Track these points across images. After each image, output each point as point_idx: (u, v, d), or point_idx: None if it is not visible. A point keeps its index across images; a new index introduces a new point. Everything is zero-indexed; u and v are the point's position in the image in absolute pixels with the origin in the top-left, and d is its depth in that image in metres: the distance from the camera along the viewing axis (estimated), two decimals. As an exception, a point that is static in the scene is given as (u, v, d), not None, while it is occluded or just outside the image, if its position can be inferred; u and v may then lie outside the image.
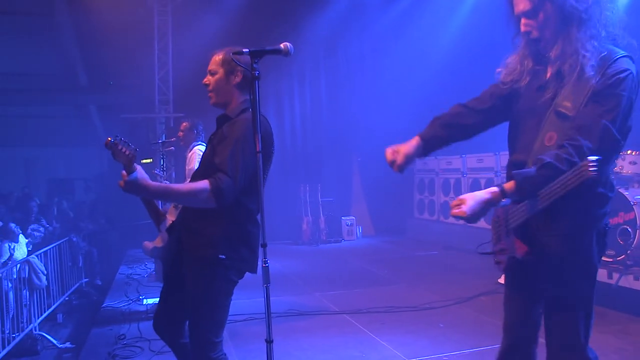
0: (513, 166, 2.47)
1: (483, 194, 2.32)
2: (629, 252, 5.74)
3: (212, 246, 2.73)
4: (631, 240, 5.73)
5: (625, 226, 5.84)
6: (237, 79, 2.90)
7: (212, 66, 2.91)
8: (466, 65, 10.10)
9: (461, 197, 2.36)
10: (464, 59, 10.17)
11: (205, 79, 2.93)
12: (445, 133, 2.69)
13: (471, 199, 2.31)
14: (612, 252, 5.92)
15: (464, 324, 5.41)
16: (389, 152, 2.68)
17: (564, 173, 2.12)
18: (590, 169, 1.93)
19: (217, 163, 2.69)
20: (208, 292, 2.76)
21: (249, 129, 2.63)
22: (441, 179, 11.02)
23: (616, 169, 6.43)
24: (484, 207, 2.32)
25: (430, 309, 6.01)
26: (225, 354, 2.85)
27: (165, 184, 5.67)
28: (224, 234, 2.75)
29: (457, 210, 2.34)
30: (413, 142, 2.67)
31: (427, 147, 2.68)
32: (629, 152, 6.35)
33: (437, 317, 5.71)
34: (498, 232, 2.63)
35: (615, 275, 5.70)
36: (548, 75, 2.37)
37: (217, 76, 2.89)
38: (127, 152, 2.50)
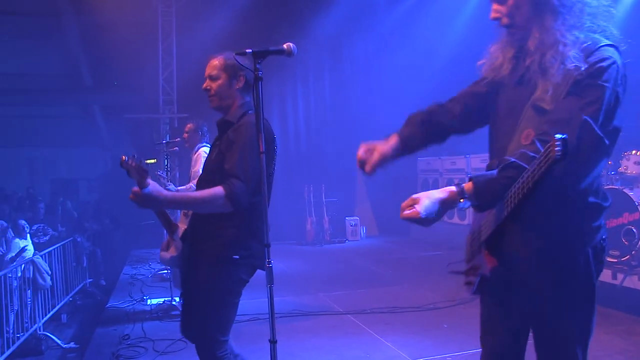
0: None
1: (438, 193, 2.07)
2: (633, 252, 5.72)
3: (226, 247, 2.80)
4: (636, 240, 5.71)
5: (630, 227, 5.82)
6: (240, 84, 2.94)
7: (212, 71, 2.93)
8: (472, 65, 10.09)
9: (414, 196, 2.12)
10: (469, 59, 10.14)
11: (206, 84, 2.95)
12: (424, 132, 2.48)
13: (426, 198, 2.06)
14: (616, 253, 5.90)
15: (468, 325, 5.38)
16: (361, 150, 2.47)
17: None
18: (556, 148, 1.56)
19: (227, 168, 2.74)
20: (219, 292, 2.81)
21: (254, 132, 2.64)
22: (445, 180, 11.00)
23: (621, 169, 6.41)
24: (440, 208, 2.05)
25: (435, 309, 6.00)
26: (229, 353, 2.88)
27: (172, 189, 5.70)
28: (236, 235, 2.80)
29: (408, 212, 2.10)
30: (391, 141, 2.46)
31: (405, 148, 2.49)
32: (633, 152, 6.33)
33: (441, 317, 5.70)
34: (472, 248, 2.37)
35: (620, 276, 5.69)
36: (527, 68, 2.11)
37: (219, 81, 2.92)
38: (140, 168, 2.55)
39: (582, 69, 1.90)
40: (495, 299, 2.26)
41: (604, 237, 2.05)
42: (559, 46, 1.97)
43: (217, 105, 2.98)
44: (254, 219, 2.82)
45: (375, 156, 2.43)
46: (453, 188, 2.03)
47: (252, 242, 2.82)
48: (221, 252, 2.80)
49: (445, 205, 2.04)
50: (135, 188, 2.55)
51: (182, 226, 3.07)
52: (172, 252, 3.03)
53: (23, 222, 7.39)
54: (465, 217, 10.18)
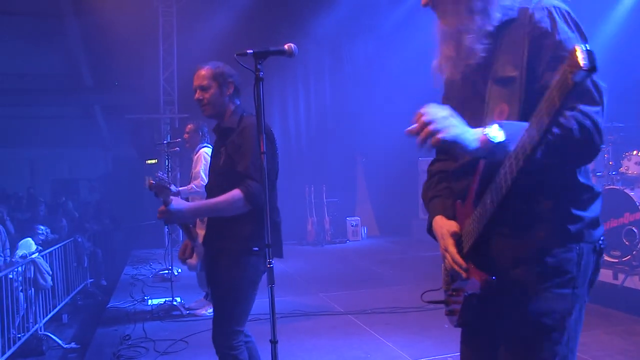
0: (451, 174, 1.94)
1: (474, 134, 1.57)
2: (634, 252, 5.72)
3: (245, 241, 2.94)
4: (637, 241, 5.71)
5: (630, 227, 5.81)
6: (230, 90, 3.09)
7: (202, 81, 3.04)
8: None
9: (431, 111, 1.63)
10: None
11: (198, 95, 3.06)
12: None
13: (456, 128, 1.57)
14: (617, 253, 5.90)
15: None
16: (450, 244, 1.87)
17: (578, 142, 1.49)
18: (581, 59, 1.14)
19: (241, 170, 2.89)
20: (238, 282, 2.96)
21: (254, 132, 2.85)
22: (446, 180, 10.96)
23: (622, 170, 6.41)
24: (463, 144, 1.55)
25: (435, 309, 5.97)
26: (243, 344, 3.03)
27: (173, 190, 5.70)
28: (253, 229, 2.92)
29: (437, 136, 1.55)
30: (450, 223, 1.91)
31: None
32: (634, 152, 6.32)
33: (441, 317, 5.63)
34: (452, 271, 1.90)
35: (621, 276, 5.68)
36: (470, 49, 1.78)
37: (211, 90, 3.04)
38: (166, 188, 2.77)
39: (535, 24, 1.64)
40: (482, 327, 1.86)
41: (601, 235, 1.72)
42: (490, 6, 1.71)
43: (211, 114, 3.11)
44: (270, 214, 2.91)
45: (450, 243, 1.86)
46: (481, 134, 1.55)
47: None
48: (241, 246, 2.95)
49: (477, 152, 1.56)
50: (162, 207, 2.78)
51: (201, 232, 3.19)
52: (196, 259, 3.17)
53: (42, 227, 7.45)
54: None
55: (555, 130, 1.45)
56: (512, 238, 1.69)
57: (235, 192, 2.84)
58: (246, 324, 3.07)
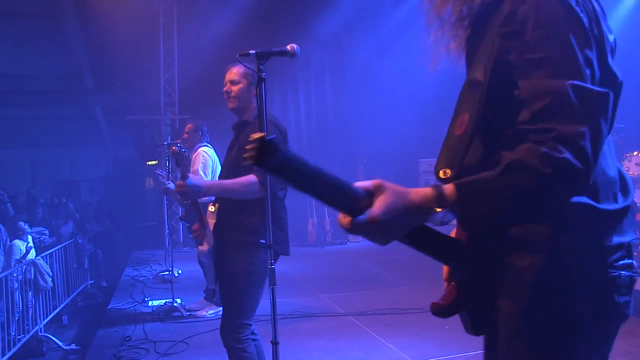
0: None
1: (411, 195, 1.30)
2: (635, 253, 5.70)
3: (253, 233, 3.03)
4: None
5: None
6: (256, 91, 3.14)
7: (234, 76, 3.24)
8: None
9: (370, 185, 1.31)
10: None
11: (227, 87, 3.25)
12: None
13: (389, 197, 1.27)
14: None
15: (470, 326, 5.38)
16: None
17: (545, 180, 1.16)
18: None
19: None
20: (246, 275, 3.03)
21: (271, 129, 3.04)
22: (447, 181, 10.97)
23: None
24: (406, 219, 1.30)
25: (436, 311, 5.98)
26: (249, 338, 3.08)
27: (172, 188, 5.71)
28: (261, 222, 2.94)
29: (361, 219, 1.27)
30: None
31: None
32: (635, 153, 6.32)
33: (442, 318, 5.68)
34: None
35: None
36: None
37: (240, 85, 3.23)
38: (187, 159, 2.99)
39: (506, 18, 1.31)
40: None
41: (620, 261, 1.35)
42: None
43: (235, 106, 3.27)
44: (278, 209, 3.12)
45: None
46: (429, 191, 1.30)
47: (275, 229, 2.98)
48: (249, 238, 3.03)
49: (414, 216, 1.31)
50: (179, 181, 2.94)
51: (211, 221, 3.27)
52: (206, 246, 3.25)
53: (22, 223, 7.38)
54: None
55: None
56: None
57: (250, 177, 2.96)
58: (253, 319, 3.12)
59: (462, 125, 1.40)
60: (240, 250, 3.07)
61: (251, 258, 3.04)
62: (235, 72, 3.25)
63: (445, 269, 1.70)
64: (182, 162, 2.94)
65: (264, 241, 2.91)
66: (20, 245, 6.88)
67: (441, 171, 1.49)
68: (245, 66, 2.92)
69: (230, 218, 3.14)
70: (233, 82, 3.24)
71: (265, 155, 1.14)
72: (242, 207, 3.06)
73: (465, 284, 1.52)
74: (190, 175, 2.94)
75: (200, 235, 3.29)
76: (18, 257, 6.68)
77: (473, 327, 1.61)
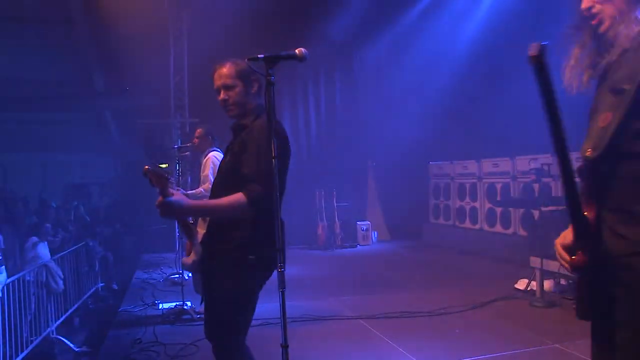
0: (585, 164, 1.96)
1: None
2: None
3: (242, 249, 2.79)
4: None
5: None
6: (255, 89, 2.96)
7: (226, 80, 2.91)
8: (483, 71, 10.06)
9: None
10: (480, 65, 10.13)
11: (223, 95, 2.92)
12: None
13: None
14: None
15: (480, 330, 5.37)
16: (559, 245, 2.02)
17: None
18: None
19: (246, 173, 2.73)
20: (236, 292, 2.83)
21: (267, 134, 2.67)
22: (457, 184, 10.96)
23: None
24: None
25: (446, 314, 5.97)
26: (246, 353, 2.95)
27: (181, 193, 5.71)
28: (251, 236, 2.79)
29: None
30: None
31: None
32: None
33: (453, 322, 5.67)
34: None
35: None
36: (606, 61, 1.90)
37: (237, 89, 2.90)
38: (162, 176, 2.58)
39: None
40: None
41: None
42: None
43: (237, 114, 2.96)
44: (270, 220, 2.76)
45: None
46: None
47: (267, 243, 2.76)
48: (237, 253, 2.80)
49: None
50: (159, 198, 2.59)
51: (201, 231, 3.08)
52: (192, 257, 3.05)
53: (49, 225, 7.48)
54: (477, 222, 10.14)
55: None
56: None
57: (238, 196, 2.67)
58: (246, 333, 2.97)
59: (606, 120, 1.78)
60: (225, 265, 2.84)
61: (236, 275, 2.81)
62: (226, 74, 2.91)
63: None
64: (156, 181, 2.59)
65: (252, 257, 2.77)
66: (42, 248, 6.96)
67: (587, 151, 1.86)
68: (252, 68, 2.58)
69: (219, 230, 2.90)
70: (227, 87, 2.91)
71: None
72: (233, 220, 2.82)
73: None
74: (176, 193, 2.63)
75: (188, 251, 3.06)
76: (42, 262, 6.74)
77: (591, 309, 1.92)
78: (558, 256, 1.98)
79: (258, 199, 2.65)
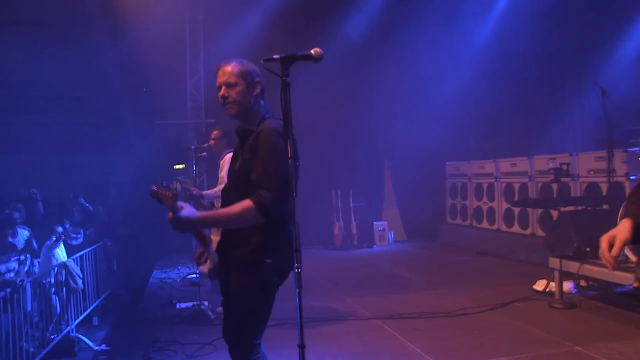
0: None
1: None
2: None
3: (258, 252, 2.79)
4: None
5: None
6: (257, 91, 2.95)
7: (229, 78, 2.89)
8: (500, 70, 9.99)
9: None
10: (497, 64, 10.07)
11: (223, 92, 2.91)
12: None
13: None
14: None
15: (499, 331, 5.32)
16: (604, 241, 2.09)
17: None
18: None
19: (254, 179, 2.74)
20: (253, 296, 2.83)
21: (275, 137, 2.74)
22: (474, 184, 10.89)
23: None
24: None
25: (464, 315, 5.94)
26: (262, 354, 2.92)
27: (197, 194, 5.73)
28: (267, 239, 2.80)
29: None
30: (627, 226, 2.10)
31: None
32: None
33: (471, 323, 5.63)
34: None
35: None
36: None
37: (239, 88, 2.89)
38: (168, 195, 2.62)
39: None
40: None
41: None
42: None
43: (236, 113, 2.95)
44: (285, 223, 2.79)
45: (617, 244, 2.06)
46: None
47: (282, 245, 2.80)
48: (253, 257, 2.80)
49: None
50: (170, 214, 2.64)
51: (216, 238, 3.08)
52: (208, 265, 3.06)
53: (60, 228, 7.54)
54: (495, 222, 10.07)
55: None
56: None
57: (246, 203, 2.67)
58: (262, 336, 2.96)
59: None
60: (242, 270, 2.84)
61: (253, 278, 2.82)
62: (229, 71, 2.90)
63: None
64: (164, 201, 2.63)
65: (269, 260, 2.78)
66: (59, 253, 7.03)
67: None
68: (267, 70, 2.53)
69: (234, 235, 2.87)
70: (229, 85, 2.89)
71: None
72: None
73: None
74: (185, 207, 2.65)
75: (204, 260, 3.08)
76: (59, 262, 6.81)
77: None
78: (601, 253, 2.05)
79: (267, 205, 2.66)
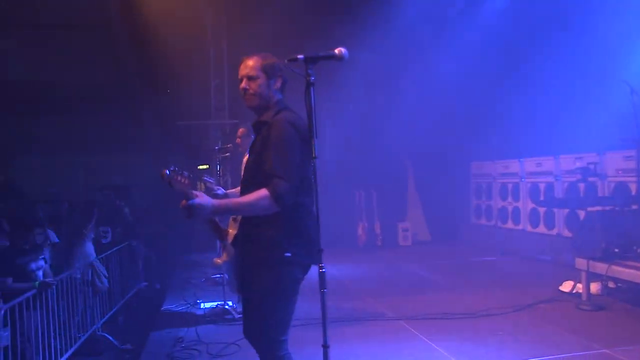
0: None
1: None
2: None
3: (277, 246, 2.80)
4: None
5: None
6: (277, 85, 3.02)
7: (250, 71, 2.97)
8: (520, 70, 9.87)
9: None
10: (517, 65, 9.95)
11: (244, 84, 2.99)
12: None
13: None
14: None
15: (525, 333, 5.26)
16: None
17: None
18: None
19: (268, 169, 2.75)
20: (275, 291, 2.83)
21: (287, 128, 2.77)
22: (498, 184, 10.78)
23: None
24: None
25: (488, 315, 5.87)
26: (290, 353, 2.92)
27: (221, 193, 5.75)
28: (285, 233, 2.81)
29: None
30: None
31: None
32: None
33: (495, 324, 5.57)
34: None
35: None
36: None
37: (259, 81, 2.97)
38: (182, 181, 2.62)
39: None
40: None
41: None
42: None
43: (255, 105, 3.02)
44: (302, 217, 2.84)
45: None
46: None
47: (300, 240, 2.81)
48: (272, 252, 2.81)
49: None
50: (183, 201, 2.62)
51: (232, 231, 3.08)
52: (224, 258, 3.06)
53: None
54: (520, 222, 9.96)
55: None
56: None
57: (262, 192, 2.69)
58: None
59: None
60: (265, 265, 2.83)
61: (272, 274, 2.81)
62: (251, 65, 2.98)
63: None
64: (176, 185, 2.61)
65: (289, 254, 2.77)
66: (91, 247, 7.14)
67: None
68: (293, 70, 2.65)
69: (252, 229, 2.88)
70: (250, 78, 2.97)
71: None
72: (265, 218, 2.77)
73: None
74: (199, 194, 2.64)
75: (221, 258, 3.10)
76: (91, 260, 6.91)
77: None
78: None
79: (282, 193, 2.67)
